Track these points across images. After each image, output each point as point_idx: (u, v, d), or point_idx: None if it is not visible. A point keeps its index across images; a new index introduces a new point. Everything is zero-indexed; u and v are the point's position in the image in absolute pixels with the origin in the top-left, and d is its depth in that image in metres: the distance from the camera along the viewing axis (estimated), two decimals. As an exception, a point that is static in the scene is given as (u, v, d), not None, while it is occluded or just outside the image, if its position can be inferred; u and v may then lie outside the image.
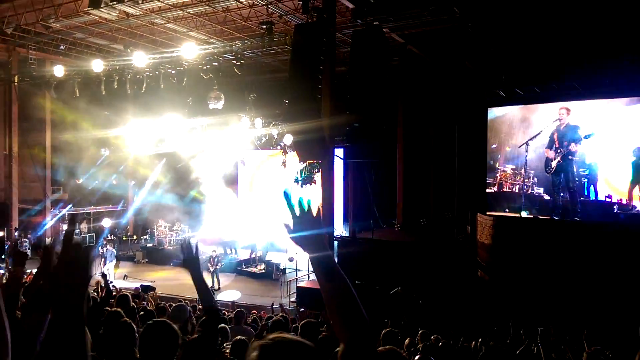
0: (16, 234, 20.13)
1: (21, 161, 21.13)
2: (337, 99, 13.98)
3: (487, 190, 16.16)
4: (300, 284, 14.74)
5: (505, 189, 15.81)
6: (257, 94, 19.52)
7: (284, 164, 19.81)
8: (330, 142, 13.89)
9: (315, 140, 13.11)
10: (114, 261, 17.91)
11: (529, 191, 15.20)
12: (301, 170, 17.86)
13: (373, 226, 17.76)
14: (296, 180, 18.15)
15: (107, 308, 4.42)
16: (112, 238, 22.41)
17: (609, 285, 11.98)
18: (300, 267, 16.98)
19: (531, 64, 15.00)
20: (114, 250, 18.13)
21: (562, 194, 14.51)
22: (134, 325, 3.78)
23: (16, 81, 19.81)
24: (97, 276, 16.77)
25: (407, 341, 5.84)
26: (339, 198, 19.64)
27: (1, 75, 19.91)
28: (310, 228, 1.67)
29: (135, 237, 24.67)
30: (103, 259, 18.03)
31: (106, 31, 18.26)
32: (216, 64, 15.95)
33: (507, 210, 15.45)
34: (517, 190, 15.54)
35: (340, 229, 18.94)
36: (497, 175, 15.98)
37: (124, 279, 17.08)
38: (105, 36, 18.97)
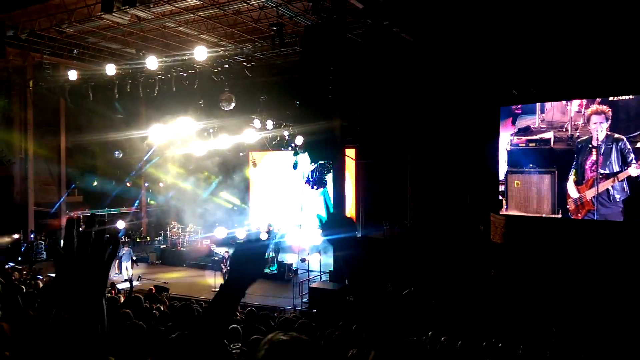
0: (32, 236, 20.43)
1: (36, 164, 21.45)
2: (348, 99, 14.01)
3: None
4: (313, 285, 14.76)
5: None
6: (268, 95, 19.59)
7: (295, 164, 19.86)
8: (341, 143, 13.93)
9: (327, 141, 13.15)
10: (130, 261, 18.09)
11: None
12: (312, 171, 17.85)
13: (385, 226, 17.72)
14: (307, 181, 18.16)
15: (126, 310, 4.52)
16: (126, 240, 22.64)
17: (623, 284, 11.83)
18: (312, 267, 17.01)
19: (545, 62, 14.87)
20: (130, 250, 18.30)
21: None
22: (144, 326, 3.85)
23: (31, 86, 20.16)
24: (112, 277, 17.11)
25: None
26: (350, 198, 19.66)
27: (16, 80, 20.25)
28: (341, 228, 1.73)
29: (148, 238, 24.91)
30: (118, 260, 18.24)
31: (119, 35, 18.48)
32: (227, 66, 16.06)
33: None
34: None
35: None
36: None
37: (138, 279, 17.26)
38: (117, 40, 19.19)
